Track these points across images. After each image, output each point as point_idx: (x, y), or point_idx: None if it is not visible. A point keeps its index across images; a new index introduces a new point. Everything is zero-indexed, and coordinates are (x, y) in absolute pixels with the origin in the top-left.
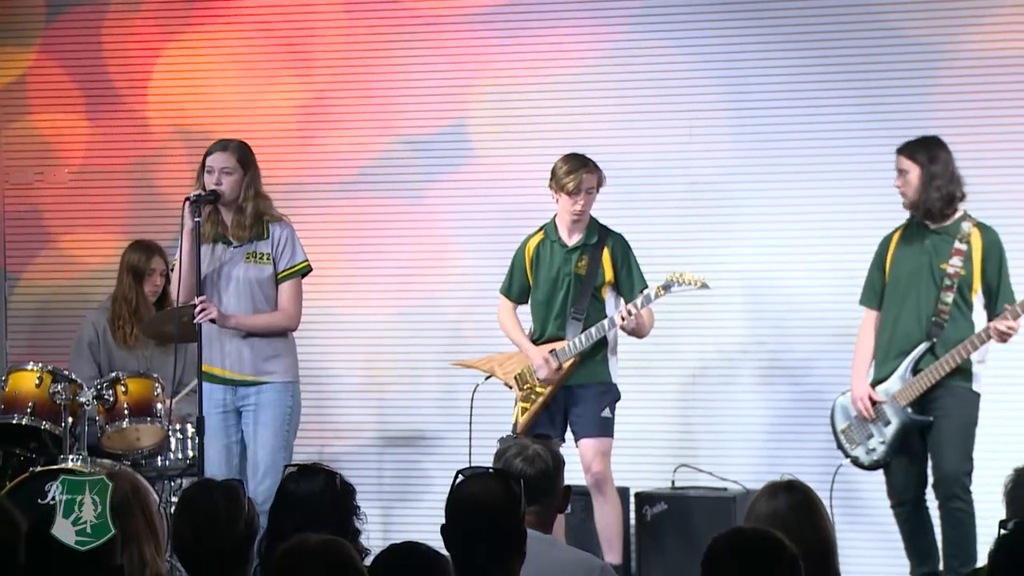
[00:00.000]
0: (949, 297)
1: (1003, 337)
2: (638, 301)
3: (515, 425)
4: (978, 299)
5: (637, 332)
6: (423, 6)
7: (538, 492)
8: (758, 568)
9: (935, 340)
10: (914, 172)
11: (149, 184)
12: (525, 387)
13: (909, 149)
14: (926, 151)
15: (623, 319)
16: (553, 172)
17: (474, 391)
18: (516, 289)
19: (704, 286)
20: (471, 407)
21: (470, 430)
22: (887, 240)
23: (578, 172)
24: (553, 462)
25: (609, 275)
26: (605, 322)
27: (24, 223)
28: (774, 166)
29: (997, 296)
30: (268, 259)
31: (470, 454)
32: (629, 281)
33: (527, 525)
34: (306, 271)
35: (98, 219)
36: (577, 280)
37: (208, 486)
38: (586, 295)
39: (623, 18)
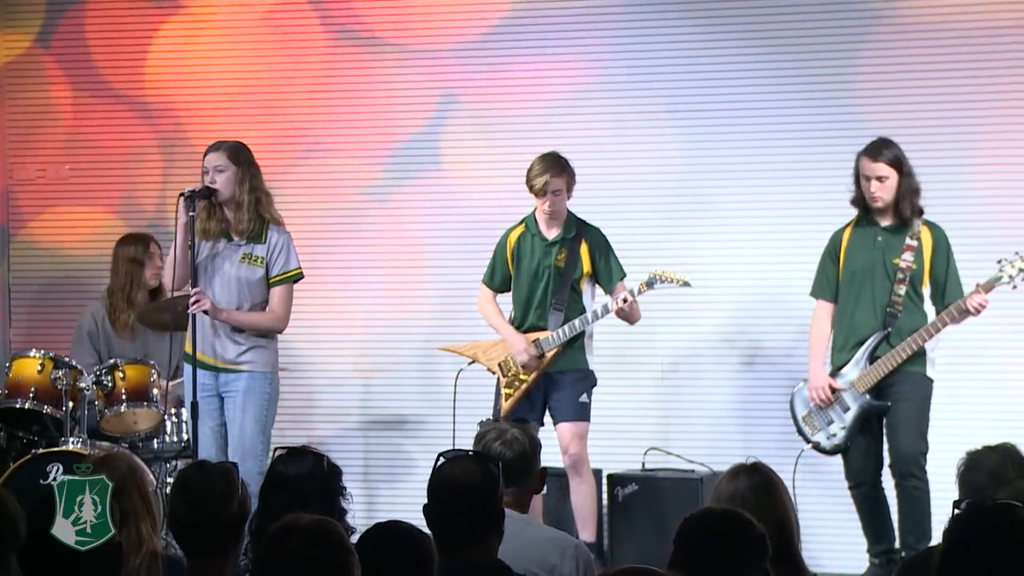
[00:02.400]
0: (902, 289)
1: (977, 310)
2: (634, 288)
3: (497, 410)
4: (927, 291)
5: (630, 318)
6: (408, 4)
7: (516, 474)
8: (725, 546)
9: (890, 330)
10: (893, 178)
11: (146, 175)
12: (510, 373)
13: (882, 154)
14: (894, 152)
15: (622, 304)
16: (527, 171)
17: (457, 376)
18: (498, 279)
19: (686, 284)
20: (454, 391)
21: (454, 414)
22: (838, 235)
23: (544, 175)
24: (530, 445)
25: (587, 267)
26: (588, 315)
27: (26, 214)
28: (741, 166)
29: (945, 288)
30: (262, 263)
31: (453, 437)
32: (607, 271)
33: (505, 505)
34: (298, 277)
35: (97, 209)
36: (557, 272)
37: (205, 467)
38: (565, 287)
39: (602, 23)
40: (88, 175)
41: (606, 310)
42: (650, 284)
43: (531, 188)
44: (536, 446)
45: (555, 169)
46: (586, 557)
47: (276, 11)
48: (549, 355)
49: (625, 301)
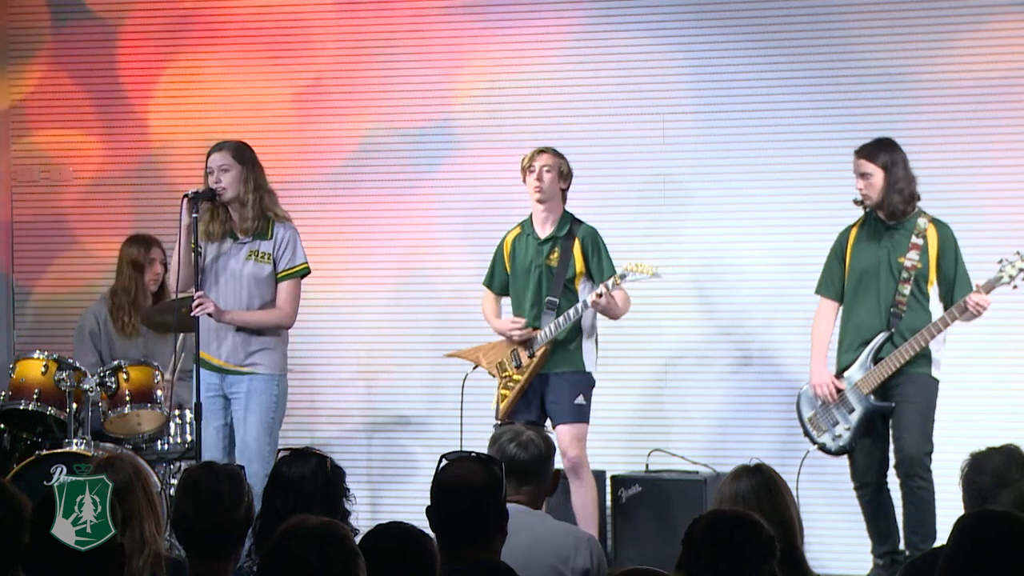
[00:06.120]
0: (906, 289)
1: (977, 308)
2: (609, 283)
3: (496, 411)
4: (933, 291)
5: (608, 313)
6: (407, 8)
7: (531, 475)
8: (735, 547)
9: (893, 330)
10: (878, 175)
11: (151, 184)
12: (504, 375)
13: (870, 153)
14: (887, 154)
15: (596, 298)
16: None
17: (464, 379)
18: (497, 282)
19: (655, 275)
20: (462, 394)
21: (461, 416)
22: (845, 234)
23: (532, 151)
24: (545, 448)
25: (580, 266)
26: (571, 312)
27: (30, 215)
28: (743, 163)
29: (954, 286)
30: (269, 259)
31: (461, 439)
32: (599, 270)
33: (521, 504)
34: (305, 272)
35: (101, 210)
36: (549, 272)
37: (213, 468)
38: (558, 286)
39: (601, 24)
40: (93, 176)
41: (585, 305)
42: (623, 277)
43: (522, 170)
44: (551, 449)
45: (547, 150)
46: (599, 550)
47: (283, 13)
48: (539, 353)
49: (600, 296)
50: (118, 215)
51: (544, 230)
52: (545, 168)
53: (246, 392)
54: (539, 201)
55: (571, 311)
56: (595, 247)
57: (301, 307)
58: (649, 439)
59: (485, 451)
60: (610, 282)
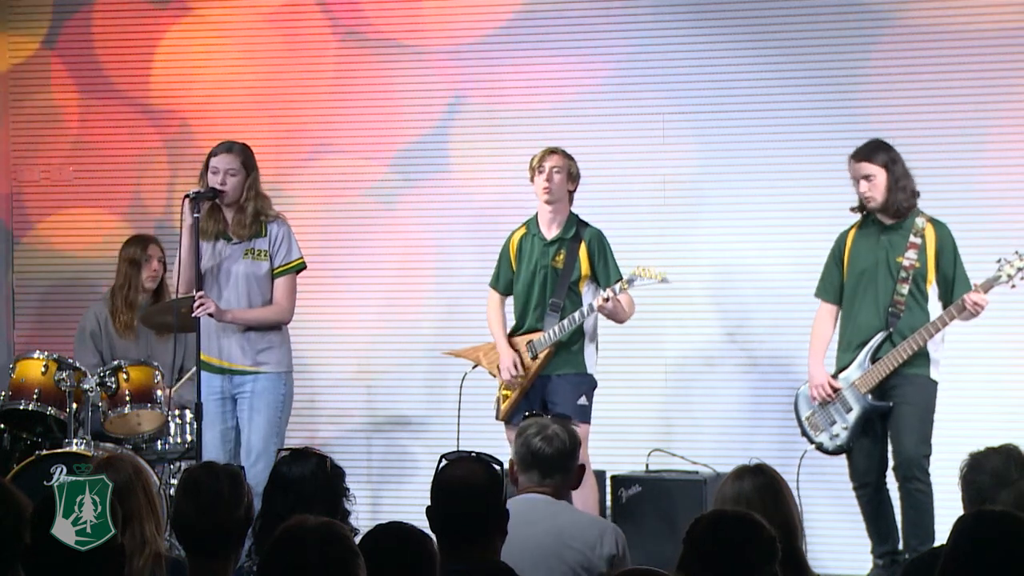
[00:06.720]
0: (905, 289)
1: (975, 308)
2: (616, 287)
3: (497, 411)
4: (932, 290)
5: (615, 316)
6: (407, 7)
7: (555, 468)
8: (737, 548)
9: (892, 330)
10: (880, 175)
11: (152, 177)
12: None
13: (868, 154)
14: (886, 154)
15: (603, 302)
16: (529, 162)
17: (463, 379)
18: (503, 282)
19: (664, 280)
20: (460, 394)
21: (459, 416)
22: (843, 236)
23: (543, 152)
24: (570, 442)
25: (585, 269)
26: (584, 308)
27: (31, 216)
28: (744, 164)
29: (953, 286)
30: (265, 256)
31: (458, 439)
32: (605, 273)
33: (546, 495)
34: (301, 268)
35: (102, 211)
36: (554, 273)
37: (214, 469)
38: (563, 288)
39: (601, 24)
40: (93, 178)
41: (591, 309)
42: (630, 281)
43: (531, 170)
44: (576, 443)
45: (558, 151)
46: (623, 539)
47: (283, 13)
48: (542, 356)
49: (607, 300)
50: (118, 215)
51: (550, 231)
52: (555, 169)
53: (255, 392)
54: (547, 202)
55: (576, 314)
56: (601, 250)
57: (301, 306)
58: (649, 439)
59: (484, 451)
60: (617, 286)
